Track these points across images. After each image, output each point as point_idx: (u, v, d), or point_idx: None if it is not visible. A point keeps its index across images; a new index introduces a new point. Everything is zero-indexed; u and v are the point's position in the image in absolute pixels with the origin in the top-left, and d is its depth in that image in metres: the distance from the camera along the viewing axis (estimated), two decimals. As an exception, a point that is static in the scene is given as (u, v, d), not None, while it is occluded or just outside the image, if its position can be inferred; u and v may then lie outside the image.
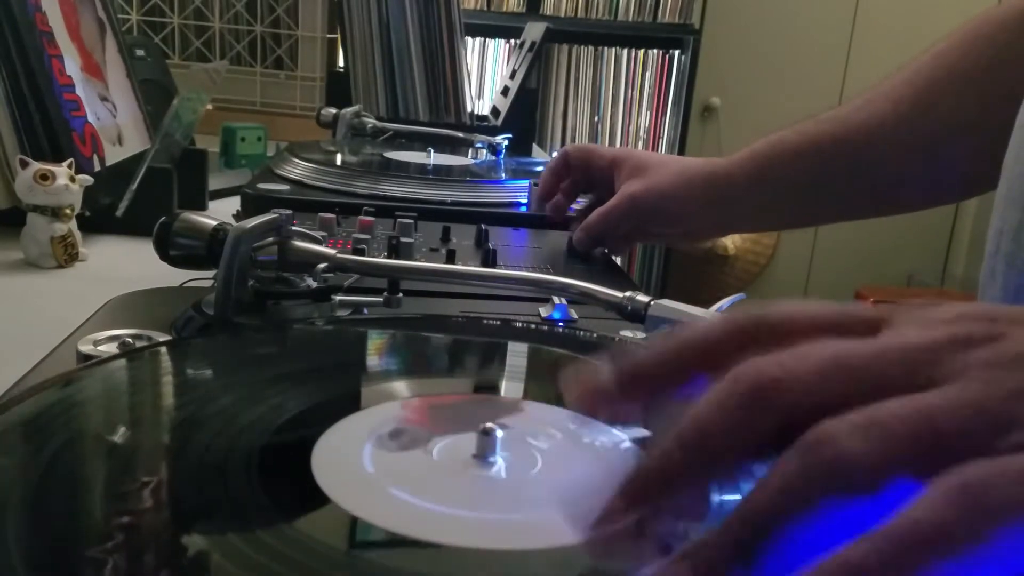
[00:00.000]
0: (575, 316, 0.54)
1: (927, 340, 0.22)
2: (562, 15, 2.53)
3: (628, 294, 0.48)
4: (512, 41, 2.33)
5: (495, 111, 1.62)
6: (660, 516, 0.23)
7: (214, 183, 0.99)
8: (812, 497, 0.20)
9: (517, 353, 0.45)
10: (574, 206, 0.81)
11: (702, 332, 0.25)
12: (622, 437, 0.32)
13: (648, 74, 2.59)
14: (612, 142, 2.61)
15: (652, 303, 0.47)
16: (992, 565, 0.18)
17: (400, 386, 0.39)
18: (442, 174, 0.98)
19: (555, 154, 0.83)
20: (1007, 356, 0.21)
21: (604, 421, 0.25)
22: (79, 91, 0.85)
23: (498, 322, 0.51)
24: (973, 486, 0.19)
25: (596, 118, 2.61)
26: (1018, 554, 0.18)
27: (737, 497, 0.23)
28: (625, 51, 2.57)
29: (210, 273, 0.49)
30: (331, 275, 0.50)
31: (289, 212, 0.49)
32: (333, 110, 1.22)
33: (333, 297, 0.49)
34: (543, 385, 0.42)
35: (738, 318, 0.25)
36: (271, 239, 0.48)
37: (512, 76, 1.63)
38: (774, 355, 0.22)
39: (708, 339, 0.25)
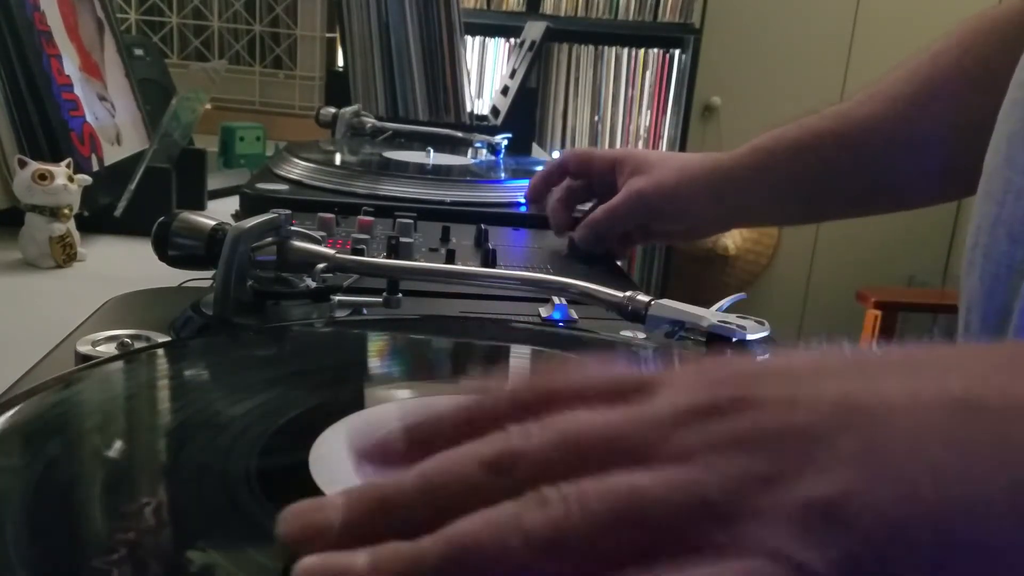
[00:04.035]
0: (575, 316, 0.53)
1: (667, 410, 0.22)
2: (562, 14, 2.53)
3: (628, 294, 0.47)
4: (512, 40, 2.33)
5: (495, 111, 1.61)
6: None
7: (213, 183, 0.99)
8: (516, 546, 0.20)
9: (517, 354, 0.45)
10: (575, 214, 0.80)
11: (478, 401, 0.25)
12: None
13: (648, 73, 2.59)
14: (612, 142, 2.61)
15: (653, 303, 0.46)
16: None
17: (399, 387, 0.39)
18: (441, 174, 0.98)
19: (554, 156, 0.83)
20: (735, 434, 0.21)
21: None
22: (77, 91, 0.85)
23: (497, 323, 0.51)
24: None
25: (596, 118, 2.61)
26: None
27: None
28: (625, 50, 2.57)
29: (209, 273, 0.49)
30: (330, 275, 0.49)
31: (288, 212, 0.49)
32: (332, 110, 1.21)
33: (332, 297, 0.48)
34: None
35: (517, 388, 0.26)
36: (270, 239, 0.48)
37: (512, 75, 1.63)
38: (525, 426, 0.23)
39: (482, 407, 0.25)
